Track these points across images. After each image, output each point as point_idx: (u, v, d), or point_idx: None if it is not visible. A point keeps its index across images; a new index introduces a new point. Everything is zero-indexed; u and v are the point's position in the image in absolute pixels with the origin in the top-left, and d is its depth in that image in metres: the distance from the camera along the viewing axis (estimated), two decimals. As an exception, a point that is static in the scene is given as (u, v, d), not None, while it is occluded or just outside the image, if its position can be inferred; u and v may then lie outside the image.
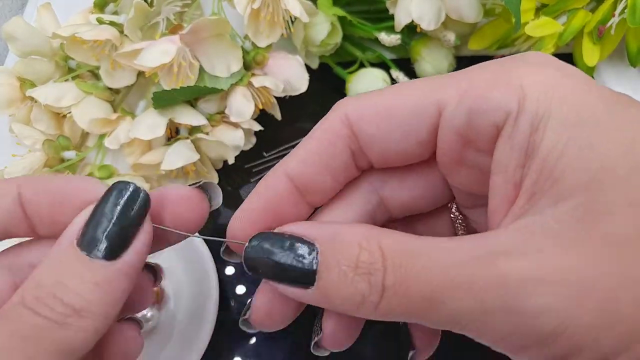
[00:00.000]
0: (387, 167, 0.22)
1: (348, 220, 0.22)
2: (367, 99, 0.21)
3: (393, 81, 0.40)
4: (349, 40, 0.43)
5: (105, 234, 0.19)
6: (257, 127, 0.38)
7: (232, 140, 0.37)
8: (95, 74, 0.40)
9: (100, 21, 0.37)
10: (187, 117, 0.35)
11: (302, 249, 0.19)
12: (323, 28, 0.39)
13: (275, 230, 0.20)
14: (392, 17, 0.39)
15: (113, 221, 0.19)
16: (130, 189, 0.19)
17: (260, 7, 0.35)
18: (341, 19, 0.41)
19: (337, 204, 0.23)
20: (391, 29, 0.40)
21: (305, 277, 0.19)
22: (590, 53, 0.38)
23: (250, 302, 0.22)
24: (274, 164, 0.42)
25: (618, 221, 0.16)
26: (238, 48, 0.36)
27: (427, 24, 0.36)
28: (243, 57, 0.36)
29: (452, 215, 0.24)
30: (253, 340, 0.34)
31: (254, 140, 0.40)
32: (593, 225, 0.16)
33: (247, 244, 0.20)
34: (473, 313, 0.17)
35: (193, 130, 0.37)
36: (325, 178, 0.21)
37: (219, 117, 0.37)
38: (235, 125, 0.37)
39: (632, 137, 0.17)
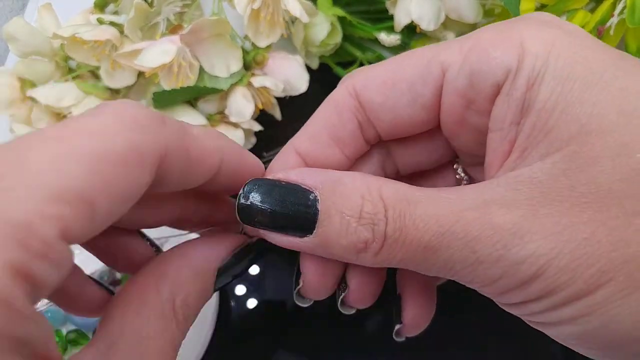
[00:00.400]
0: (395, 139, 0.22)
1: None
2: (373, 69, 0.21)
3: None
4: (348, 41, 0.43)
5: (231, 279, 0.21)
6: (257, 127, 0.38)
7: (232, 140, 0.37)
8: (95, 74, 0.40)
9: (100, 21, 0.37)
10: (187, 117, 0.35)
11: (301, 196, 0.19)
12: (323, 28, 0.39)
13: (270, 177, 0.20)
14: (391, 18, 0.39)
15: (241, 272, 0.21)
16: (263, 247, 0.21)
17: (260, 7, 0.35)
18: (341, 19, 0.41)
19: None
20: (391, 29, 0.40)
21: (304, 225, 0.19)
22: (589, 53, 0.38)
23: (297, 272, 0.23)
24: (274, 164, 0.42)
25: (602, 171, 0.16)
26: (238, 48, 0.36)
27: (426, 24, 0.36)
28: (243, 57, 0.36)
29: (457, 176, 0.24)
30: (253, 340, 0.34)
31: (254, 140, 0.40)
32: (578, 176, 0.17)
33: (240, 191, 0.19)
34: (465, 261, 0.17)
35: (193, 130, 0.37)
36: (334, 151, 0.22)
37: (219, 117, 0.37)
38: (235, 125, 0.37)
39: (623, 87, 0.17)
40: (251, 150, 0.40)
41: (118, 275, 0.35)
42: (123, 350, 0.16)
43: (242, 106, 0.36)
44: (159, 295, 0.18)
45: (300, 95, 0.38)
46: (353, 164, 0.23)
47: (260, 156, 0.40)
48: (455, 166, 0.24)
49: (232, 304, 0.35)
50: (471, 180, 0.24)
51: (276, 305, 0.35)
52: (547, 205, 0.17)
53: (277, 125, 0.40)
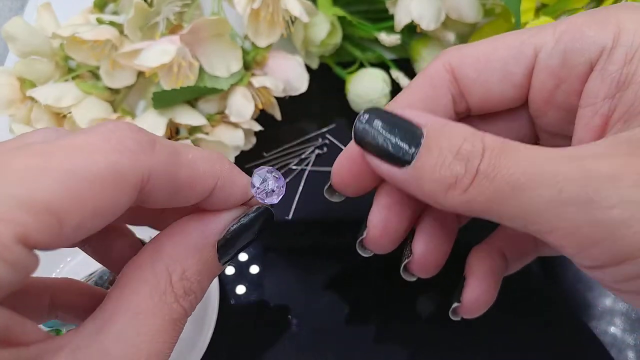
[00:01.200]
0: (482, 114, 0.23)
1: None
2: (468, 47, 0.22)
3: (393, 81, 0.40)
4: (348, 41, 0.43)
5: (237, 251, 0.21)
6: (257, 127, 0.38)
7: (232, 140, 0.37)
8: (95, 74, 0.40)
9: (100, 21, 0.37)
10: (187, 117, 0.35)
11: (410, 131, 0.20)
12: (323, 28, 0.39)
13: (386, 108, 0.21)
14: (392, 17, 0.39)
15: (247, 243, 0.21)
16: (268, 215, 0.22)
17: (260, 7, 0.35)
18: (341, 19, 0.41)
19: None
20: (391, 29, 0.40)
21: (404, 156, 0.20)
22: (590, 53, 0.38)
23: (364, 223, 0.24)
24: (274, 164, 0.42)
25: None
26: (238, 48, 0.36)
27: (426, 23, 0.36)
28: (243, 57, 0.36)
29: None
30: (253, 340, 0.34)
31: (254, 140, 0.40)
32: None
33: (360, 115, 0.21)
34: (550, 203, 0.17)
35: (193, 130, 0.37)
36: None
37: (219, 117, 0.37)
38: (235, 125, 0.37)
39: None
40: (251, 150, 0.40)
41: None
42: (118, 326, 0.17)
43: (242, 106, 0.36)
44: (154, 271, 0.18)
45: (300, 95, 0.38)
46: None
47: (260, 156, 0.41)
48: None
49: (232, 303, 0.35)
50: None
51: (276, 305, 0.35)
52: None
53: (277, 125, 0.40)
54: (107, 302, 0.18)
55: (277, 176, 0.22)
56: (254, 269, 0.36)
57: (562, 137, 0.23)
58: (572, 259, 0.18)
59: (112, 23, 0.36)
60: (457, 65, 0.22)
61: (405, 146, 0.20)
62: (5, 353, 0.14)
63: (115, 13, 0.40)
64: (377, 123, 0.21)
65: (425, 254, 0.23)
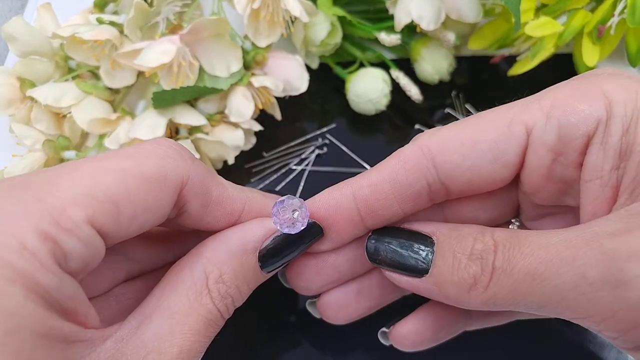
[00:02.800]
0: (458, 198, 0.23)
1: None
2: (448, 130, 0.22)
3: (393, 81, 0.40)
4: (348, 40, 0.43)
5: (283, 262, 0.22)
6: (257, 127, 0.38)
7: (232, 140, 0.37)
8: (95, 74, 0.40)
9: (100, 21, 0.37)
10: (187, 117, 0.35)
11: (421, 241, 0.21)
12: (323, 28, 0.39)
13: (395, 225, 0.22)
14: (392, 17, 0.39)
15: (293, 254, 0.22)
16: (316, 230, 0.22)
17: (260, 7, 0.35)
18: (341, 19, 0.41)
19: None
20: (391, 29, 0.40)
21: (420, 266, 0.20)
22: (590, 53, 0.38)
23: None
24: (274, 164, 0.43)
25: None
26: (238, 48, 0.36)
27: (426, 24, 0.36)
28: (243, 57, 0.36)
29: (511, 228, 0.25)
30: (253, 340, 0.34)
31: (253, 140, 0.40)
32: None
33: (370, 234, 0.22)
34: (577, 289, 0.17)
35: (193, 130, 0.37)
36: (393, 207, 0.22)
37: (219, 117, 0.37)
38: (235, 125, 0.37)
39: None
40: (251, 150, 0.40)
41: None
42: (153, 324, 0.18)
43: (242, 106, 0.36)
44: (192, 273, 0.20)
45: (300, 95, 0.38)
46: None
47: (260, 156, 0.41)
48: (513, 220, 0.25)
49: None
50: None
51: (276, 304, 0.35)
52: None
53: (277, 125, 0.40)
54: (150, 299, 0.19)
55: (297, 207, 0.22)
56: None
57: (548, 207, 0.23)
58: (613, 342, 0.18)
59: (112, 23, 0.36)
60: (439, 150, 0.21)
61: (419, 257, 0.20)
62: (67, 326, 0.16)
63: (115, 13, 0.40)
64: (387, 240, 0.22)
65: (412, 335, 0.25)
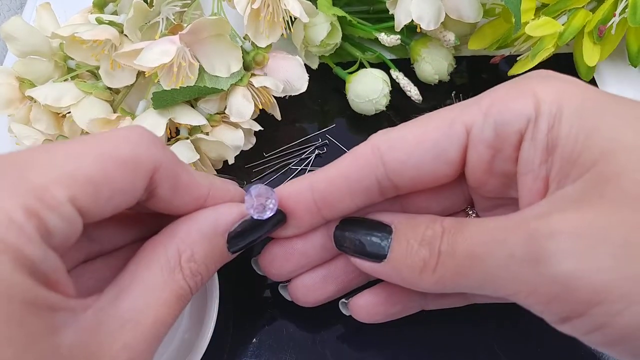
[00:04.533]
0: (410, 193, 0.25)
1: None
2: (396, 131, 0.24)
3: (393, 81, 0.40)
4: (348, 41, 0.43)
5: (247, 244, 0.24)
6: (257, 127, 0.38)
7: (232, 141, 0.37)
8: (94, 74, 0.39)
9: (99, 21, 0.37)
10: (187, 117, 0.35)
11: (381, 230, 0.23)
12: (323, 28, 0.39)
13: (357, 216, 0.25)
14: (392, 17, 0.39)
15: (257, 238, 0.24)
16: (280, 217, 0.25)
17: (260, 7, 0.35)
18: (341, 19, 0.41)
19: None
20: (391, 29, 0.39)
21: (379, 253, 0.23)
22: (590, 53, 0.38)
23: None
24: (274, 164, 0.43)
25: (627, 181, 0.18)
26: (238, 48, 0.36)
27: (426, 24, 0.36)
28: (243, 57, 0.36)
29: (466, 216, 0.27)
30: (254, 341, 0.34)
31: (253, 140, 0.40)
32: (605, 187, 0.18)
33: (337, 225, 0.25)
34: (506, 267, 0.19)
35: (193, 130, 0.37)
36: (347, 200, 0.24)
37: (219, 117, 0.37)
38: (235, 125, 0.37)
39: (634, 115, 0.19)
40: (251, 150, 0.40)
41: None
42: (130, 296, 0.20)
43: (242, 106, 0.36)
44: (166, 251, 0.21)
45: (300, 95, 0.38)
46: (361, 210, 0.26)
47: (260, 156, 0.41)
48: (467, 209, 0.27)
49: (232, 303, 0.35)
50: None
51: (276, 304, 0.35)
52: (579, 213, 0.18)
53: (277, 125, 0.40)
54: (125, 274, 0.21)
55: (269, 196, 0.24)
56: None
57: (498, 199, 0.25)
58: (542, 316, 0.20)
59: (111, 23, 0.36)
60: (386, 149, 0.23)
61: (379, 244, 0.23)
62: (52, 295, 0.17)
63: (114, 13, 0.40)
64: (352, 228, 0.24)
65: (366, 307, 0.27)
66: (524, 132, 0.21)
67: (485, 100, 0.22)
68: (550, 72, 0.22)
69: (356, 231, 0.24)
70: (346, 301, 0.28)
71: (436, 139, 0.22)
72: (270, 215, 0.24)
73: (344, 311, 0.29)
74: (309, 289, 0.28)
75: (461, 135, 0.22)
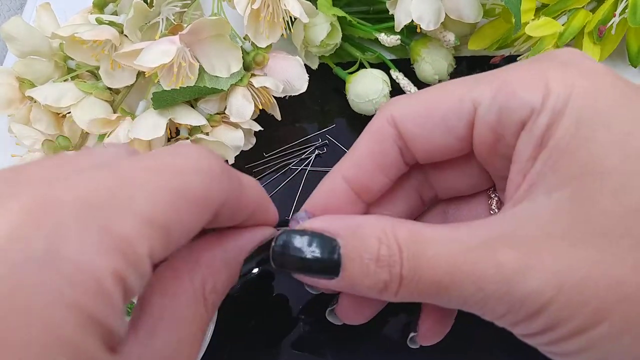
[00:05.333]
0: (432, 165, 0.24)
1: (400, 208, 0.25)
2: (409, 99, 0.23)
3: (393, 81, 0.40)
4: (348, 41, 0.43)
5: (252, 267, 0.24)
6: (257, 127, 0.38)
7: (232, 141, 0.37)
8: (94, 74, 0.39)
9: (99, 21, 0.37)
10: (187, 117, 0.35)
11: (325, 244, 0.21)
12: (323, 28, 0.39)
13: (297, 227, 0.22)
14: (392, 18, 0.39)
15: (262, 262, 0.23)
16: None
17: (260, 7, 0.35)
18: (341, 20, 0.41)
19: (388, 197, 0.25)
20: (391, 30, 0.39)
21: (329, 269, 0.21)
22: (590, 53, 0.38)
23: (337, 296, 0.25)
24: (274, 164, 0.42)
25: (600, 211, 0.18)
26: (238, 48, 0.36)
27: (426, 24, 0.36)
28: (243, 57, 0.36)
29: (489, 202, 0.26)
30: (253, 340, 0.34)
31: (253, 140, 0.40)
32: (577, 215, 0.18)
33: (273, 242, 0.22)
34: (474, 297, 0.19)
35: (193, 130, 0.37)
36: (379, 177, 0.23)
37: (219, 118, 0.37)
38: (235, 125, 0.37)
39: (629, 131, 0.18)
40: (251, 150, 0.40)
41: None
42: (165, 332, 0.18)
43: (242, 106, 0.36)
44: (192, 282, 0.20)
45: (300, 95, 0.38)
46: (393, 193, 0.25)
47: (260, 156, 0.41)
48: (489, 192, 0.26)
49: (232, 303, 0.35)
50: (500, 203, 0.25)
51: (276, 305, 0.35)
52: (548, 242, 0.18)
53: (277, 125, 0.40)
54: (153, 307, 0.19)
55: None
56: (254, 269, 0.36)
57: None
58: (516, 333, 0.20)
59: (111, 23, 0.36)
60: (400, 120, 0.22)
61: (326, 260, 0.21)
62: (108, 358, 0.15)
63: (114, 13, 0.40)
64: (292, 245, 0.21)
65: (432, 331, 0.26)
66: (526, 122, 0.20)
67: (497, 80, 0.21)
68: (575, 54, 0.21)
69: (297, 248, 0.21)
70: (332, 307, 0.27)
71: (445, 114, 0.21)
72: None
73: (334, 321, 0.27)
74: (357, 309, 0.26)
75: (469, 113, 0.21)
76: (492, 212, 0.25)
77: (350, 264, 0.20)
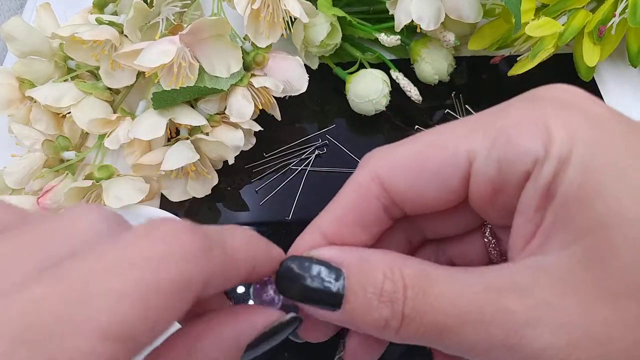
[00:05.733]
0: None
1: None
2: (394, 152, 0.21)
3: (393, 81, 0.40)
4: (348, 41, 0.43)
5: (260, 353, 0.21)
6: (257, 127, 0.38)
7: (232, 141, 0.37)
8: (94, 74, 0.39)
9: (99, 21, 0.37)
10: (187, 117, 0.35)
11: (330, 274, 0.20)
12: (323, 28, 0.39)
13: (304, 255, 0.21)
14: (392, 18, 0.39)
15: (270, 348, 0.21)
16: (298, 324, 0.22)
17: (260, 7, 0.35)
18: (341, 20, 0.41)
19: (375, 245, 0.24)
20: (391, 30, 0.39)
21: (332, 300, 0.20)
22: (590, 53, 0.38)
23: (343, 343, 0.24)
24: (274, 164, 0.42)
25: (620, 267, 0.17)
26: (238, 48, 0.36)
27: (426, 24, 0.36)
28: (243, 57, 0.36)
29: (485, 239, 0.25)
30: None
31: (253, 140, 0.40)
32: (595, 270, 0.17)
33: (279, 267, 0.21)
34: (479, 345, 0.18)
35: (193, 130, 0.37)
36: (359, 232, 0.22)
37: (219, 118, 0.37)
38: (235, 125, 0.37)
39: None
40: (251, 150, 0.40)
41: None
42: None
43: (242, 106, 0.36)
44: None
45: (300, 95, 0.38)
46: (378, 239, 0.24)
47: (260, 156, 0.41)
48: (483, 229, 0.25)
49: (232, 304, 0.35)
50: (499, 243, 0.24)
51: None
52: (563, 299, 0.17)
53: (277, 125, 0.40)
54: None
55: (269, 282, 0.22)
56: (254, 270, 0.36)
57: (509, 225, 0.22)
58: None
59: (111, 23, 0.36)
60: (386, 177, 0.21)
61: (330, 290, 0.20)
62: None
63: (114, 13, 0.40)
64: (298, 272, 0.21)
65: (358, 350, 0.24)
66: (530, 172, 0.19)
67: (492, 129, 0.20)
68: (575, 94, 0.20)
69: (301, 275, 0.21)
70: (339, 356, 0.26)
71: (437, 169, 0.21)
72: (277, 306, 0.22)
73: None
74: (366, 351, 0.25)
75: (464, 166, 0.20)
76: (490, 251, 0.25)
77: (353, 296, 0.20)
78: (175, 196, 0.38)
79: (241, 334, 0.20)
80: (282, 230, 0.38)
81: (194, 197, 0.38)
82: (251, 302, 0.22)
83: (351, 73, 0.41)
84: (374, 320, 0.19)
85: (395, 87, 0.40)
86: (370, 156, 0.22)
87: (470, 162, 0.20)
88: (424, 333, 0.19)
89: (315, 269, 0.21)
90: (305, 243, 0.23)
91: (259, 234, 0.21)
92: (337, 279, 0.20)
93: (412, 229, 0.25)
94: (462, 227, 0.24)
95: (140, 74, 0.38)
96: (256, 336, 0.21)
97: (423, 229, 0.25)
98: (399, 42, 0.39)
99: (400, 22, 0.37)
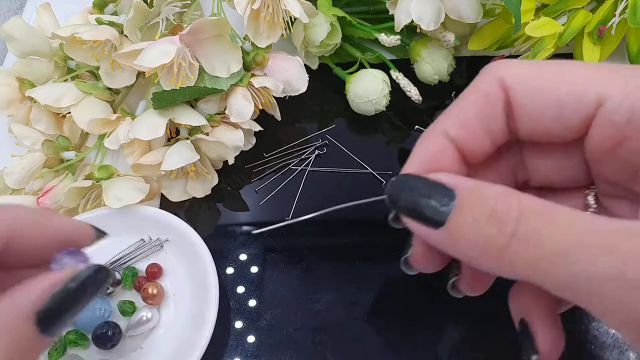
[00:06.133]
0: (532, 142, 0.22)
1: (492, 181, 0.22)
2: (527, 67, 0.21)
3: (393, 81, 0.40)
4: (348, 41, 0.43)
5: (67, 319, 0.19)
6: (257, 127, 0.38)
7: (232, 141, 0.37)
8: (94, 74, 0.40)
9: (99, 21, 0.37)
10: (187, 117, 0.35)
11: (442, 193, 0.20)
12: (323, 29, 0.39)
13: (421, 175, 0.21)
14: (392, 18, 0.39)
15: (82, 306, 0.20)
16: (103, 274, 0.20)
17: (260, 7, 0.35)
18: (341, 20, 0.41)
19: (484, 170, 0.23)
20: (391, 30, 0.39)
21: (437, 217, 0.19)
22: (590, 53, 0.38)
23: (410, 240, 0.23)
24: (274, 165, 0.42)
25: None
26: (238, 49, 0.36)
27: (426, 24, 0.36)
28: (243, 57, 0.36)
29: (586, 202, 0.23)
30: (252, 340, 0.34)
31: (253, 140, 0.40)
32: None
33: (393, 178, 0.21)
34: (610, 281, 0.16)
35: (193, 130, 0.37)
36: (485, 141, 0.22)
37: (219, 118, 0.37)
38: (235, 125, 0.37)
39: None
40: (251, 150, 0.40)
41: (118, 275, 0.35)
42: None
43: (242, 106, 0.36)
44: None
45: (300, 95, 0.38)
46: (488, 171, 0.23)
47: (260, 156, 0.41)
48: (587, 192, 0.23)
49: (232, 304, 0.35)
50: (600, 210, 0.23)
51: (276, 305, 0.35)
52: None
53: (277, 125, 0.40)
54: None
55: (77, 258, 0.21)
56: (254, 269, 0.36)
57: (621, 188, 0.21)
58: (631, 344, 0.17)
59: (111, 23, 0.36)
60: (513, 88, 0.21)
61: (437, 208, 0.19)
62: None
63: (114, 13, 0.40)
64: (409, 187, 0.21)
65: (474, 275, 0.23)
66: None
67: (634, 77, 0.19)
68: None
69: (414, 190, 0.20)
70: (405, 256, 0.25)
71: (563, 98, 0.19)
72: (85, 267, 0.20)
73: (407, 270, 0.25)
74: (429, 259, 0.24)
75: (590, 105, 0.19)
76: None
77: (459, 215, 0.19)
78: (175, 196, 0.38)
79: (17, 302, 0.19)
80: (282, 230, 0.38)
81: (194, 197, 0.38)
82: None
83: (351, 73, 0.41)
84: (477, 239, 0.18)
85: (395, 87, 0.40)
86: (496, 64, 0.21)
87: (597, 105, 0.19)
88: (535, 260, 0.17)
89: (429, 185, 0.20)
90: (431, 146, 0.22)
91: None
92: (447, 199, 0.19)
93: (519, 166, 0.24)
94: (567, 178, 0.23)
95: (140, 74, 0.38)
96: (47, 301, 0.19)
97: (529, 168, 0.24)
98: (399, 42, 0.39)
99: (400, 22, 0.37)
